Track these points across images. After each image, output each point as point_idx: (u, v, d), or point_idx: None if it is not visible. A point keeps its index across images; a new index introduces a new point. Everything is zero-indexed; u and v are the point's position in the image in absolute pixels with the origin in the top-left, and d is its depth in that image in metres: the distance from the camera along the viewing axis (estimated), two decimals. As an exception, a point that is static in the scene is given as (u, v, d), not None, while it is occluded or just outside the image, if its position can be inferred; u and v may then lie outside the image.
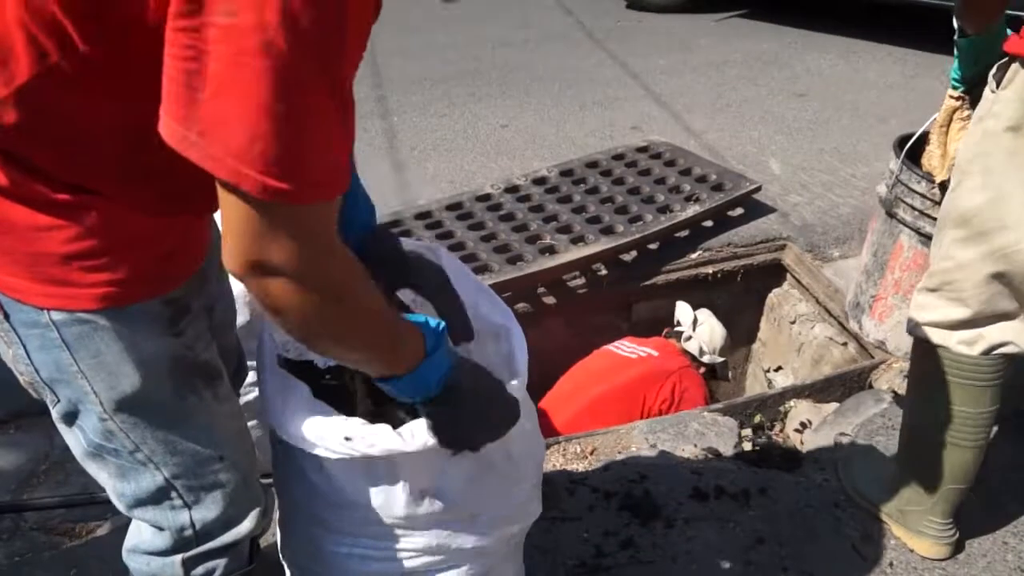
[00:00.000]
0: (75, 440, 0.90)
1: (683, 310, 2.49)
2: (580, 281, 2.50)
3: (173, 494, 0.92)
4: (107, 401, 0.85)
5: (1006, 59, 1.22)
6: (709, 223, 2.69)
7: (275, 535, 1.23)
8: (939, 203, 1.54)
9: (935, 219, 1.51)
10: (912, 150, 1.77)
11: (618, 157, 2.95)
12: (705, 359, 2.40)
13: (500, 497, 0.98)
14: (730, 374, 2.45)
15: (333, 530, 0.96)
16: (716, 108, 3.65)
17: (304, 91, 0.65)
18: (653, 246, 2.59)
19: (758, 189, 2.76)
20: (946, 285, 1.34)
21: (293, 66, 0.64)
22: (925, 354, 1.42)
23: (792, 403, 2.18)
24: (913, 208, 1.70)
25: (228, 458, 0.93)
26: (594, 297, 2.53)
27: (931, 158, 1.68)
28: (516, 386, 0.93)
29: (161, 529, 0.95)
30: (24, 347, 0.83)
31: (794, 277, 2.69)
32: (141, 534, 0.98)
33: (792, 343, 2.66)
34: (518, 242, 2.46)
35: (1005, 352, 1.34)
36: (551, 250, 2.43)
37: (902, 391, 2.14)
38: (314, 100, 0.66)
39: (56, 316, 0.80)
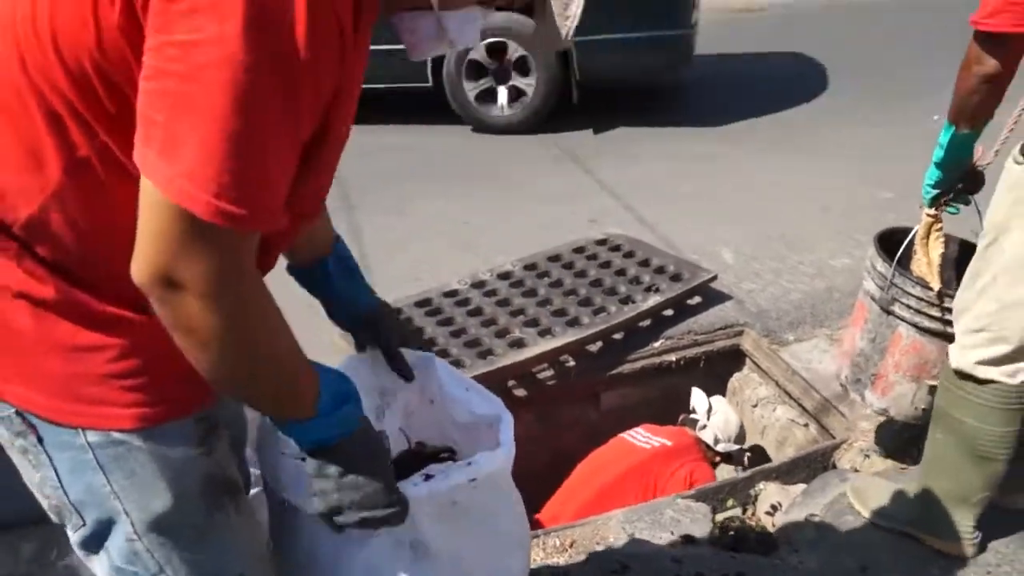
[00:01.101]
0: (99, 565, 0.89)
1: (698, 397, 2.53)
2: (549, 373, 2.56)
3: None
4: (138, 522, 0.85)
5: None
6: (669, 312, 2.80)
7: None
8: (936, 304, 1.85)
9: (930, 315, 1.87)
10: (886, 249, 2.01)
11: (579, 250, 3.07)
12: (720, 447, 2.42)
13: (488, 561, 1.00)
14: (745, 461, 2.46)
15: None
16: (667, 201, 3.83)
17: (266, 112, 0.67)
18: (617, 336, 2.68)
19: (714, 278, 2.89)
20: (990, 326, 1.57)
21: (254, 83, 0.65)
22: (966, 386, 1.64)
23: (761, 486, 2.24)
24: (910, 307, 1.93)
25: (248, 574, 0.93)
26: (563, 388, 2.59)
27: (920, 266, 1.92)
28: (492, 460, 0.96)
29: None
30: (55, 470, 0.83)
31: (753, 361, 2.79)
32: None
33: (756, 426, 2.73)
34: (487, 336, 2.52)
35: None
36: (520, 344, 2.49)
37: (863, 469, 2.23)
38: (274, 125, 0.68)
39: (92, 437, 0.81)
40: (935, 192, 1.77)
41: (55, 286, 0.78)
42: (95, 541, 0.87)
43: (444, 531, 0.94)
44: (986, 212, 1.61)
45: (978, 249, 1.61)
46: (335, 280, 1.14)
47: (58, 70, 0.71)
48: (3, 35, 0.74)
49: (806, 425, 2.58)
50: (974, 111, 1.59)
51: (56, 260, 0.78)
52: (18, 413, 0.81)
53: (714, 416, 2.44)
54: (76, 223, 0.76)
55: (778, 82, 5.76)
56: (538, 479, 2.37)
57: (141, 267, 0.70)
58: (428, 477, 0.94)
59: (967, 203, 1.80)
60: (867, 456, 2.29)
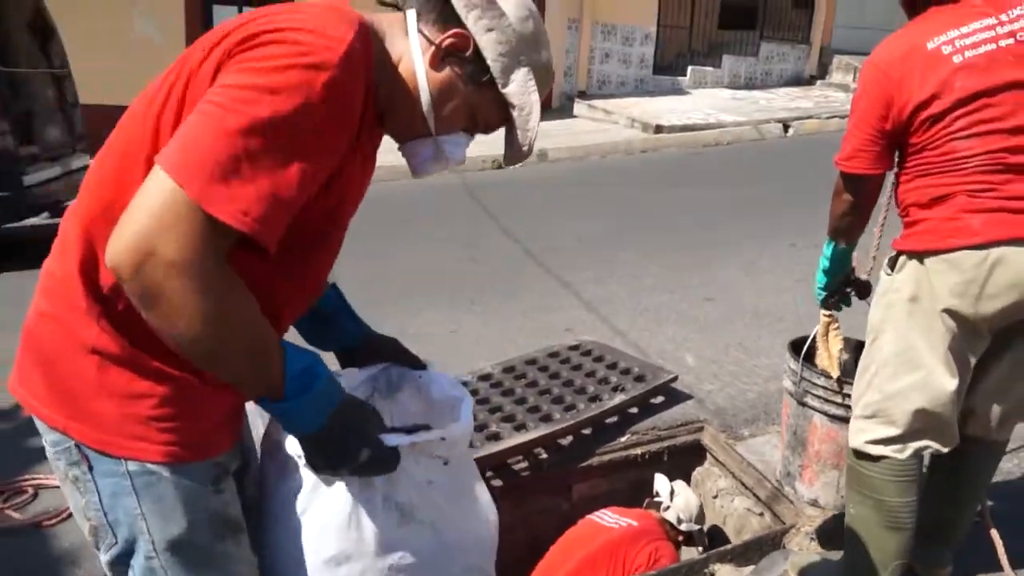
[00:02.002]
0: None
1: (661, 482, 2.73)
2: (523, 464, 2.79)
3: None
4: (158, 541, 1.05)
5: (895, 253, 1.82)
6: (635, 410, 3.06)
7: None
8: (838, 391, 2.13)
9: (836, 403, 2.14)
10: (801, 352, 2.34)
11: (553, 355, 3.37)
12: (683, 527, 2.60)
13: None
14: (705, 540, 2.62)
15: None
16: (637, 312, 4.18)
17: (273, 147, 0.87)
18: (587, 431, 2.93)
19: (675, 379, 3.18)
20: (879, 413, 1.83)
21: (270, 122, 0.87)
22: (863, 464, 1.87)
23: (716, 567, 2.44)
24: (819, 397, 2.22)
25: None
26: (537, 479, 2.81)
27: (822, 360, 2.23)
28: (457, 428, 1.19)
29: None
30: (99, 494, 1.04)
31: (712, 455, 3.04)
32: None
33: (717, 516, 2.94)
34: (468, 430, 2.77)
35: (927, 451, 1.83)
36: (496, 437, 2.74)
37: (810, 550, 2.45)
38: (274, 160, 0.88)
39: (132, 467, 1.02)
40: (824, 294, 2.10)
41: (120, 344, 1.00)
42: (123, 559, 1.07)
43: (425, 502, 1.15)
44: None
45: (865, 346, 1.90)
46: (337, 312, 1.39)
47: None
48: (112, 154, 1.01)
49: (761, 514, 2.80)
50: (847, 230, 1.94)
51: (127, 321, 0.99)
52: (76, 445, 1.03)
53: (676, 498, 2.64)
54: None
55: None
56: (516, 566, 2.56)
57: (126, 235, 0.84)
58: (409, 433, 1.14)
59: (848, 303, 2.13)
60: (812, 539, 2.51)
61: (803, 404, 2.23)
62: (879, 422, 1.83)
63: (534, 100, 1.12)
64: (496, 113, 1.15)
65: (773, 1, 12.95)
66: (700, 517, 2.65)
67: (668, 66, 12.34)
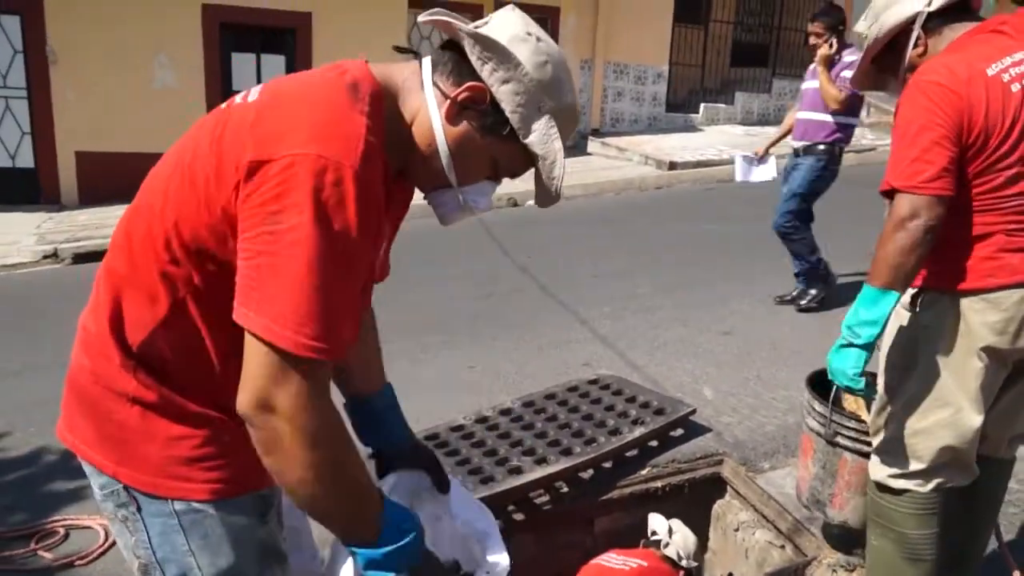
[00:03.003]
0: None
1: (657, 521, 2.68)
2: (545, 498, 2.81)
3: None
4: (207, 575, 1.09)
5: (917, 289, 1.79)
6: (654, 443, 3.08)
7: None
8: (868, 432, 2.08)
9: (868, 443, 2.08)
10: (818, 388, 2.35)
11: (572, 389, 3.41)
12: (684, 563, 2.56)
13: None
14: None
15: None
16: (654, 346, 4.21)
17: (333, 274, 0.91)
18: (607, 464, 2.95)
19: (694, 412, 3.20)
20: (904, 448, 1.83)
21: (323, 254, 0.90)
22: (885, 497, 1.87)
23: (739, 599, 2.44)
24: (850, 437, 2.23)
25: None
26: (559, 513, 2.83)
27: (850, 404, 2.28)
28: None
29: None
30: (147, 533, 1.09)
31: (733, 488, 3.04)
32: None
33: (739, 549, 2.94)
34: (489, 465, 2.80)
35: (947, 486, 1.83)
36: (518, 471, 2.77)
37: (833, 582, 2.44)
38: (339, 282, 0.92)
39: (178, 506, 1.07)
40: (861, 377, 1.76)
41: (159, 392, 1.06)
42: None
43: None
44: (883, 349, 1.89)
45: (882, 380, 1.89)
46: (388, 409, 1.43)
47: (175, 241, 1.03)
48: (138, 217, 1.08)
49: (782, 547, 2.79)
50: (914, 269, 1.66)
51: (162, 372, 1.06)
52: (125, 488, 1.08)
53: (675, 535, 2.59)
54: (175, 345, 1.05)
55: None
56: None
57: (243, 398, 0.93)
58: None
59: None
60: (835, 571, 2.50)
61: (834, 444, 2.26)
62: (903, 457, 1.84)
63: (557, 148, 1.10)
64: (520, 161, 1.13)
65: (784, 38, 13.13)
66: (698, 554, 2.61)
67: (681, 103, 12.49)
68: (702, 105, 12.35)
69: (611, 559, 2.53)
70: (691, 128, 12.04)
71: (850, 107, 4.38)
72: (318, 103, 0.99)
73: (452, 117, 1.08)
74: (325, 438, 0.95)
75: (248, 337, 0.94)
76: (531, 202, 8.48)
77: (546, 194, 1.16)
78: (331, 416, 0.97)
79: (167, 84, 8.84)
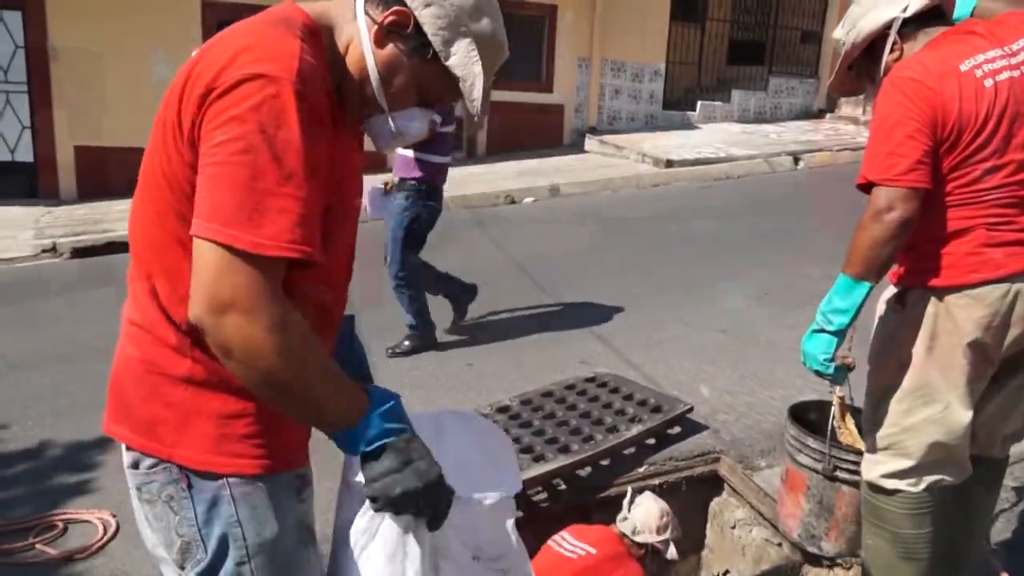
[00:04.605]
0: None
1: (629, 496, 2.64)
2: (543, 496, 2.83)
3: None
4: (252, 545, 1.14)
5: (901, 289, 1.82)
6: (651, 440, 3.11)
7: None
8: None
9: None
10: (799, 420, 2.43)
11: (570, 387, 3.42)
12: (639, 539, 2.49)
13: None
14: (673, 551, 2.54)
15: None
16: (651, 344, 4.23)
17: (278, 177, 0.97)
18: (605, 462, 2.97)
19: (691, 410, 3.23)
20: (894, 446, 1.85)
21: (266, 159, 0.97)
22: (878, 497, 1.88)
23: (736, 596, 2.46)
24: (850, 472, 2.24)
25: None
26: (556, 510, 2.85)
27: (846, 437, 2.27)
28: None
29: None
30: (194, 510, 1.12)
31: (730, 486, 3.07)
32: None
33: (735, 546, 2.96)
34: (487, 462, 2.82)
35: (940, 485, 1.84)
36: (516, 468, 2.79)
37: (828, 580, 2.47)
38: (286, 187, 0.97)
39: (231, 480, 1.12)
40: (830, 362, 1.82)
41: (211, 369, 1.10)
42: (210, 572, 1.14)
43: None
44: (869, 345, 1.91)
45: (869, 379, 1.91)
46: (354, 340, 1.41)
47: (172, 198, 1.07)
48: (141, 198, 1.13)
49: (779, 544, 2.82)
50: (887, 260, 1.71)
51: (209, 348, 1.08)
52: (179, 468, 1.12)
53: (635, 508, 2.54)
54: None
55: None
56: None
57: (196, 303, 0.97)
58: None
59: (852, 369, 1.90)
60: (831, 569, 2.53)
61: (833, 479, 2.28)
62: (893, 455, 1.86)
63: (476, 71, 1.16)
64: (444, 84, 1.18)
65: (781, 36, 13.14)
66: (664, 528, 2.52)
67: (678, 101, 12.49)
68: (699, 103, 12.36)
69: (563, 541, 2.44)
70: (688, 126, 12.05)
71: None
72: (251, 33, 1.09)
73: (380, 40, 1.15)
74: (287, 322, 1.00)
75: (197, 244, 0.99)
76: (529, 200, 8.51)
77: (469, 117, 1.24)
78: (288, 305, 1.01)
79: (166, 80, 8.79)
